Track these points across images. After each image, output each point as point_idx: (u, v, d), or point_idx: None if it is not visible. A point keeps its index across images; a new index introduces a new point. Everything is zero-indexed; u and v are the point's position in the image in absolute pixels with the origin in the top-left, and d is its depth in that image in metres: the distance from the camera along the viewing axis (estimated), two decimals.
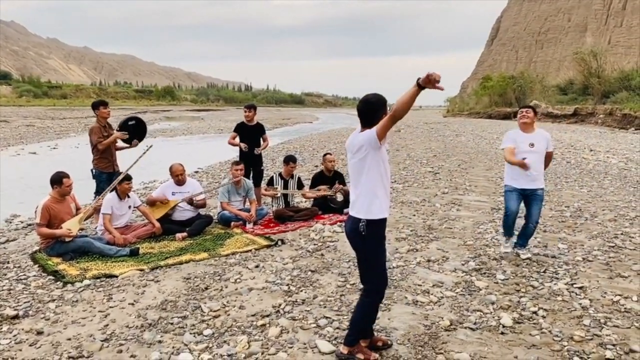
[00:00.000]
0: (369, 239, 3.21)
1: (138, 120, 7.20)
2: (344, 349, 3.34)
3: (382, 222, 3.24)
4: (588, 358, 3.39)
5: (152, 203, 6.64)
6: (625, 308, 4.19)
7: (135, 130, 7.01)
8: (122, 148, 7.05)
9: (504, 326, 3.83)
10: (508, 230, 5.66)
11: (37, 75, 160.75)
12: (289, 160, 7.63)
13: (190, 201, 6.69)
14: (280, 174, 7.61)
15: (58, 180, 5.52)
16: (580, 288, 4.62)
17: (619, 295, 4.46)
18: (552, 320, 3.95)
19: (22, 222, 7.54)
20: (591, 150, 17.81)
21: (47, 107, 65.15)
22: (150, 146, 6.76)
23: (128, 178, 6.22)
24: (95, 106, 6.93)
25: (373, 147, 3.12)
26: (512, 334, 3.73)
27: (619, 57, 69.14)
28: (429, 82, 2.83)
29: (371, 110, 3.19)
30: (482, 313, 4.08)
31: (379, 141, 3.07)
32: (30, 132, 26.79)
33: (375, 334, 3.56)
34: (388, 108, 3.14)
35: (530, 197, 5.42)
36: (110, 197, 6.09)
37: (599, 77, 40.68)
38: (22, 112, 47.91)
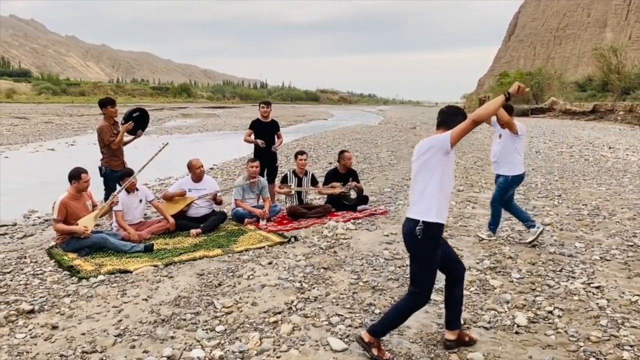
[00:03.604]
0: (424, 242, 3.19)
1: (142, 112, 7.24)
2: (365, 336, 3.32)
3: (439, 227, 3.23)
4: (605, 359, 3.33)
5: (169, 198, 6.67)
6: None
7: (139, 122, 7.05)
8: (128, 142, 7.08)
9: (518, 325, 3.78)
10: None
11: (56, 72, 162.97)
12: (297, 154, 7.66)
13: (214, 198, 6.74)
14: (294, 172, 7.61)
15: (77, 175, 5.58)
16: (597, 287, 4.55)
17: (638, 295, 4.37)
18: (568, 320, 3.89)
19: (39, 218, 7.64)
20: (610, 148, 17.54)
21: (66, 104, 65.94)
22: (167, 144, 6.80)
23: (129, 174, 6.24)
24: (102, 104, 6.94)
25: (442, 150, 3.16)
26: (526, 334, 3.68)
27: (639, 53, 67.88)
28: (517, 93, 3.17)
29: (451, 113, 3.33)
30: (496, 312, 4.04)
31: (450, 144, 3.12)
32: (49, 129, 27.15)
33: (390, 332, 3.53)
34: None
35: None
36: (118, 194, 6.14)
37: (619, 73, 40.00)
38: (41, 109, 48.58)
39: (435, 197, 3.20)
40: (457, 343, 3.44)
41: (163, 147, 6.62)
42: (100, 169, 6.86)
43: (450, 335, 3.46)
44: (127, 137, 7.03)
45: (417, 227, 3.15)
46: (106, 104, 6.92)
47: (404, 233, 3.33)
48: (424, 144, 3.29)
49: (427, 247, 3.21)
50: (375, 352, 3.28)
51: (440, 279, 3.62)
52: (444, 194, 3.24)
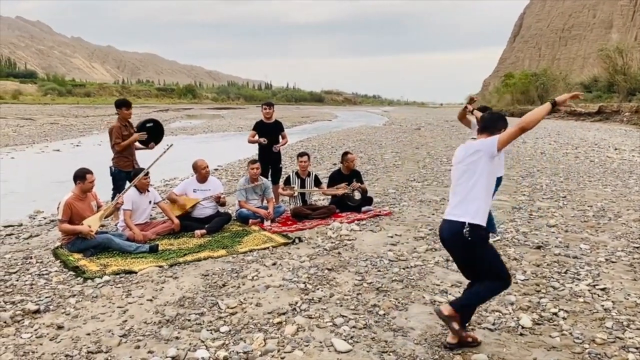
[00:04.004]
0: (477, 243, 3.27)
1: (156, 123, 7.26)
2: (445, 309, 3.36)
3: (485, 229, 3.32)
4: None
5: (173, 200, 6.69)
6: None
7: (152, 133, 7.07)
8: (139, 149, 7.12)
9: (523, 327, 3.77)
10: None
11: (62, 73, 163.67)
12: (298, 155, 7.71)
13: (217, 199, 6.75)
14: (297, 173, 7.62)
15: (82, 175, 5.61)
16: (602, 289, 4.53)
17: None
18: (573, 322, 3.88)
19: (45, 218, 7.68)
20: (616, 149, 17.47)
21: (71, 105, 66.25)
22: (171, 145, 6.81)
23: (146, 173, 6.29)
24: (118, 105, 6.99)
25: (489, 154, 3.25)
26: (531, 336, 3.67)
27: None
28: (563, 103, 3.32)
29: (494, 119, 3.48)
30: (500, 314, 4.03)
31: (497, 149, 3.23)
32: (55, 130, 27.28)
33: (391, 334, 3.53)
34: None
35: None
36: (130, 192, 6.16)
37: (625, 75, 39.87)
38: (47, 110, 48.82)
39: (481, 200, 3.29)
40: (460, 344, 3.44)
41: (168, 149, 6.64)
42: (110, 168, 6.90)
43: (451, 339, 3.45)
44: (138, 145, 7.06)
45: (465, 229, 3.22)
46: (121, 105, 6.96)
47: (446, 236, 3.39)
48: (469, 147, 3.39)
49: (481, 244, 3.30)
50: (455, 326, 3.34)
51: (455, 281, 3.60)
52: (489, 197, 3.35)
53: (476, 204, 3.26)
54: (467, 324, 3.58)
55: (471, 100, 6.02)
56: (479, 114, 5.83)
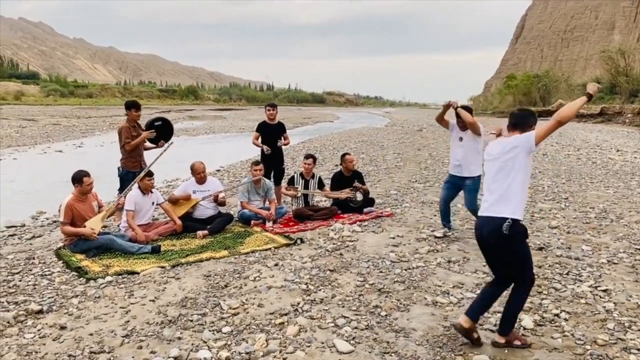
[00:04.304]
0: (516, 238, 3.34)
1: (165, 121, 7.28)
2: (500, 339, 3.46)
3: (522, 224, 3.38)
4: None
5: (174, 201, 6.71)
6: None
7: (161, 131, 7.08)
8: (149, 148, 7.13)
9: (525, 328, 3.78)
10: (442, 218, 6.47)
11: (64, 74, 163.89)
12: (305, 157, 7.75)
13: (215, 199, 6.76)
14: (301, 174, 7.63)
15: (79, 179, 5.61)
16: (604, 291, 4.53)
17: None
18: (574, 323, 3.88)
19: (47, 219, 7.70)
20: (618, 151, 17.45)
21: (74, 106, 66.32)
22: (171, 142, 6.82)
23: (150, 174, 6.30)
24: (127, 107, 7.02)
25: (526, 150, 3.33)
26: (533, 337, 3.67)
27: None
28: (595, 93, 3.43)
29: (524, 116, 3.54)
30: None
31: (534, 144, 3.30)
32: (57, 131, 27.32)
33: (393, 334, 3.53)
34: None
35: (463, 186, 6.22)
36: (133, 193, 6.18)
37: (627, 76, 39.82)
38: (49, 111, 48.90)
39: (520, 195, 3.35)
40: (509, 344, 3.48)
41: (168, 147, 6.66)
42: (118, 169, 6.92)
43: (499, 338, 3.53)
44: (148, 144, 7.07)
45: (505, 224, 3.27)
46: (130, 106, 6.99)
47: (486, 232, 3.42)
48: (505, 144, 3.43)
49: (520, 240, 3.37)
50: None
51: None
52: (525, 192, 3.42)
53: (515, 199, 3.33)
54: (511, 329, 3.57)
55: (448, 106, 6.09)
56: (464, 112, 5.88)
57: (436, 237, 6.25)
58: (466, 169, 6.11)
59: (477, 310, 3.51)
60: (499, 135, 4.85)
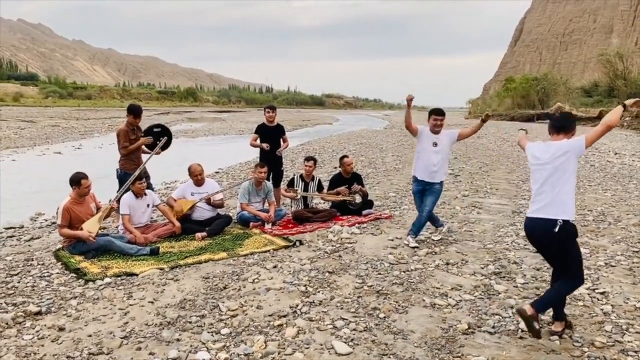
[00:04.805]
0: (569, 238, 3.54)
1: (164, 128, 7.26)
2: (529, 309, 3.48)
3: (572, 223, 3.56)
4: None
5: (172, 205, 6.70)
6: None
7: (160, 139, 7.05)
8: (145, 152, 7.13)
9: (522, 330, 3.78)
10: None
11: (63, 76, 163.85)
12: (305, 159, 7.76)
13: (208, 201, 6.75)
14: (301, 176, 7.64)
15: (77, 181, 5.60)
16: (602, 293, 4.54)
17: None
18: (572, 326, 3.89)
19: (46, 221, 7.70)
20: (616, 154, 17.49)
21: (72, 107, 66.34)
22: (165, 138, 6.79)
23: (139, 178, 6.28)
24: (128, 111, 6.99)
25: (577, 154, 3.56)
26: (531, 339, 3.67)
27: None
28: (634, 105, 3.65)
29: (570, 120, 3.79)
30: (500, 317, 4.04)
31: (585, 148, 3.55)
32: (56, 132, 27.32)
33: (391, 336, 3.54)
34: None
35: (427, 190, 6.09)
36: (126, 197, 6.17)
37: (625, 79, 39.97)
38: (48, 112, 48.88)
39: (571, 198, 3.56)
40: (563, 331, 3.70)
41: (162, 143, 6.63)
42: (117, 171, 6.92)
43: (557, 327, 3.73)
44: (145, 149, 7.07)
45: (558, 225, 3.47)
46: (130, 112, 6.94)
47: (540, 233, 3.61)
48: (556, 148, 3.59)
49: (572, 239, 3.56)
50: (536, 326, 3.49)
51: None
52: (574, 194, 3.63)
53: (568, 201, 3.53)
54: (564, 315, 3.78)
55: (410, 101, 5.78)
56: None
57: (411, 247, 5.90)
58: (441, 174, 6.03)
59: (542, 301, 3.61)
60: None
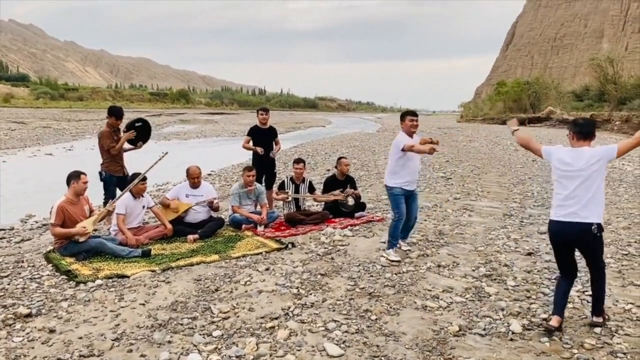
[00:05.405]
0: (600, 239, 3.80)
1: (144, 123, 7.26)
2: (598, 319, 3.90)
3: (602, 225, 3.79)
4: None
5: (166, 205, 6.70)
6: (637, 317, 4.15)
7: (141, 132, 7.07)
8: (127, 150, 7.11)
9: (513, 332, 3.81)
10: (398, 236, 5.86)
11: (55, 77, 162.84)
12: (294, 162, 7.78)
13: (210, 204, 6.76)
14: (291, 178, 7.64)
15: (76, 175, 5.61)
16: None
17: (631, 303, 4.42)
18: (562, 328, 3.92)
19: (36, 222, 7.65)
20: None
21: (64, 109, 65.93)
22: (166, 152, 6.80)
23: (143, 179, 6.30)
24: (109, 113, 6.99)
25: (607, 161, 3.76)
26: (521, 341, 3.71)
27: (636, 64, 68.30)
28: None
29: (593, 126, 3.98)
30: (491, 319, 4.07)
31: (616, 157, 3.76)
32: (47, 134, 27.15)
33: (383, 338, 3.55)
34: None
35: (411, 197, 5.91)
36: (125, 197, 6.17)
37: (616, 84, 40.29)
38: (39, 113, 48.55)
39: (602, 202, 3.79)
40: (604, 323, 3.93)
41: (162, 157, 6.62)
42: (100, 173, 6.89)
43: (596, 318, 3.95)
44: (126, 146, 7.06)
45: (593, 227, 3.69)
46: (111, 114, 6.94)
47: (570, 236, 3.82)
48: (590, 155, 3.73)
49: (602, 240, 3.85)
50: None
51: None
52: (604, 198, 3.83)
53: (601, 205, 3.76)
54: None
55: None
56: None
57: (392, 261, 5.50)
58: (416, 182, 5.92)
59: (563, 306, 3.88)
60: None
